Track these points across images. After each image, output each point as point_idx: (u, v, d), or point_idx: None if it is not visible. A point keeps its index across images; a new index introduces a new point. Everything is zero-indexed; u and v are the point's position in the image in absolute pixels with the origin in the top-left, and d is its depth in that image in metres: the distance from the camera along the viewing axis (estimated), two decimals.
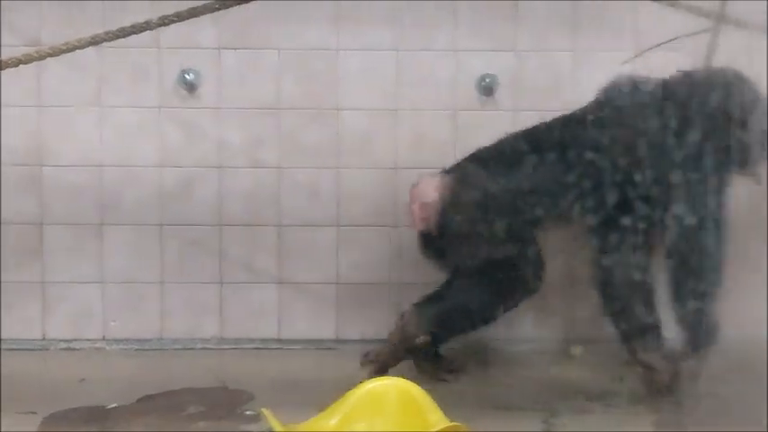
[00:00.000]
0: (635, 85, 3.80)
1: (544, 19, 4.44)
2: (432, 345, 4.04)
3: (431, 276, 4.24)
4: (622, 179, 3.73)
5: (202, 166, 4.48)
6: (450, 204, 3.94)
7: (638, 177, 3.70)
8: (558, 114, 3.96)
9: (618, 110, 3.80)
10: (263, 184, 4.49)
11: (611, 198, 3.72)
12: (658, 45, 3.95)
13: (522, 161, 3.86)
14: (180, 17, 3.36)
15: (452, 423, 3.17)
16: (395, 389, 3.17)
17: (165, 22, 3.37)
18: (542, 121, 3.98)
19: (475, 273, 3.94)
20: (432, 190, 3.97)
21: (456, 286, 4.00)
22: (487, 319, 4.02)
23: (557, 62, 4.45)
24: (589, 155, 3.76)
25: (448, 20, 4.44)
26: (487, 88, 4.46)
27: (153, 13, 3.49)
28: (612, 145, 3.76)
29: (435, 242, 4.00)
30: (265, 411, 3.31)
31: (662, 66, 3.79)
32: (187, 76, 4.46)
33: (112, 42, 3.53)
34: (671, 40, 3.90)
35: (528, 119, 4.29)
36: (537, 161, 3.83)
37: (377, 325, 4.49)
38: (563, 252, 4.27)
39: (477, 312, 3.98)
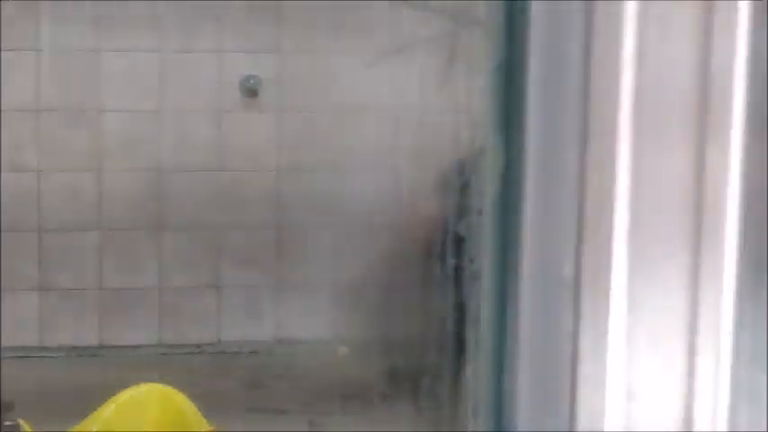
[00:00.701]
0: None
1: (307, 20, 4.45)
2: None
3: (198, 280, 4.21)
4: None
5: None
6: None
7: None
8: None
9: None
10: (22, 187, 4.37)
11: None
12: (404, 47, 4.01)
13: None
14: None
15: (213, 428, 3.15)
16: (155, 395, 3.14)
17: None
18: None
19: None
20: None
21: None
22: None
23: (321, 63, 4.46)
24: None
25: (210, 21, 4.40)
26: (251, 90, 4.44)
27: None
28: None
29: None
30: (22, 422, 3.22)
31: (409, 67, 3.84)
32: None
33: None
34: (419, 42, 3.96)
35: (292, 120, 4.30)
36: None
37: (143, 330, 4.44)
38: (333, 254, 4.29)
39: None
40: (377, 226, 4.25)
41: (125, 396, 3.13)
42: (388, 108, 4.04)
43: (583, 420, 0.83)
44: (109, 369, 4.17)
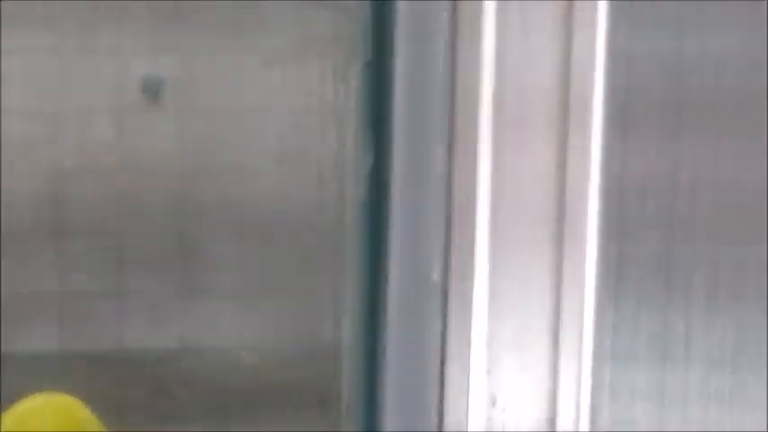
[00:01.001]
0: None
1: (209, 19, 4.41)
2: None
3: (100, 285, 4.16)
4: None
5: None
6: None
7: None
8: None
9: None
10: None
11: None
12: (300, 46, 4.01)
13: None
14: None
15: None
16: (52, 407, 3.10)
17: None
18: None
19: None
20: None
21: None
22: None
23: (223, 63, 4.43)
24: None
25: (110, 20, 4.35)
26: (153, 90, 4.40)
27: None
28: None
29: None
30: None
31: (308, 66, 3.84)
32: None
33: None
34: (315, 42, 3.96)
35: (195, 121, 4.27)
36: None
37: (43, 337, 4.38)
38: (239, 259, 4.27)
39: None
40: (282, 229, 4.23)
41: (23, 407, 3.08)
42: (291, 108, 4.02)
43: (450, 422, 0.83)
44: (7, 378, 4.10)
